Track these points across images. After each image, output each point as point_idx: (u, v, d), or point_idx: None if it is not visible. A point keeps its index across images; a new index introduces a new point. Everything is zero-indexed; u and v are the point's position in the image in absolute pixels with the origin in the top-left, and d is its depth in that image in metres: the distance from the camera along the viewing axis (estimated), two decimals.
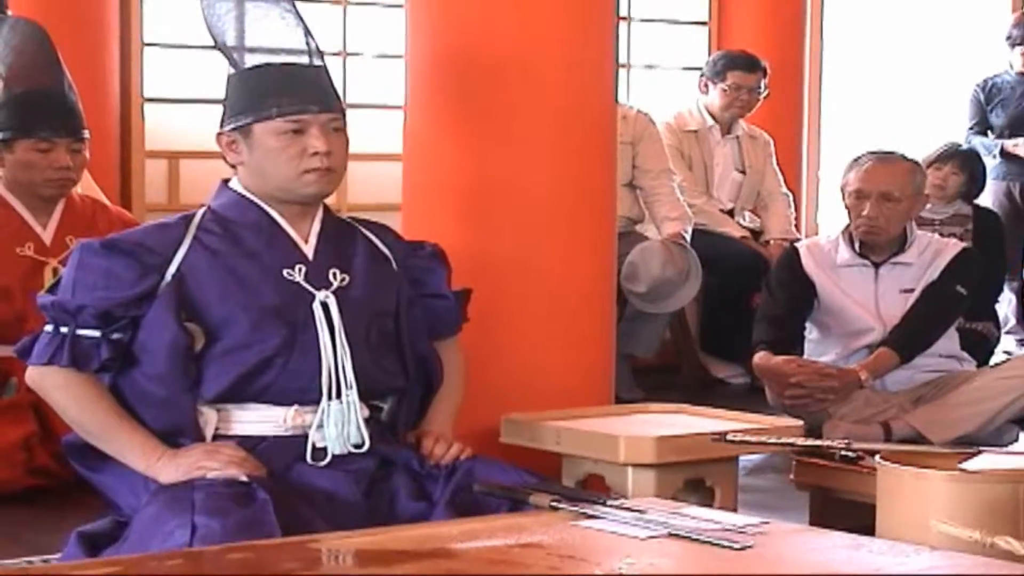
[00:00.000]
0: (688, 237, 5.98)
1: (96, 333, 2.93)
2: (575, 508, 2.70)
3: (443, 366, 3.24)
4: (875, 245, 4.84)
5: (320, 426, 2.98)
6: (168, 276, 2.95)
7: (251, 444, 2.95)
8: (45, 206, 4.41)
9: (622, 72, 7.35)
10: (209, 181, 7.61)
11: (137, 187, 6.57)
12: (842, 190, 4.88)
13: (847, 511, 3.44)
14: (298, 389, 2.99)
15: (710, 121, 6.58)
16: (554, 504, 2.74)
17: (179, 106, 6.67)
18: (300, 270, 3.02)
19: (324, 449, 2.98)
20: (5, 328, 4.28)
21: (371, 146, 6.76)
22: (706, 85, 6.59)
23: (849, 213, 4.85)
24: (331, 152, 3.02)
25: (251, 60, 3.05)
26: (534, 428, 3.54)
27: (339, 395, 2.98)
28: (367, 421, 3.03)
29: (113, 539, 2.89)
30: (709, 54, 7.31)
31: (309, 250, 3.06)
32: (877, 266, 4.85)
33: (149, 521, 2.79)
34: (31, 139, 4.32)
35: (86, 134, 4.41)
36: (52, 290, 3.00)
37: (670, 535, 2.54)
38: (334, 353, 2.98)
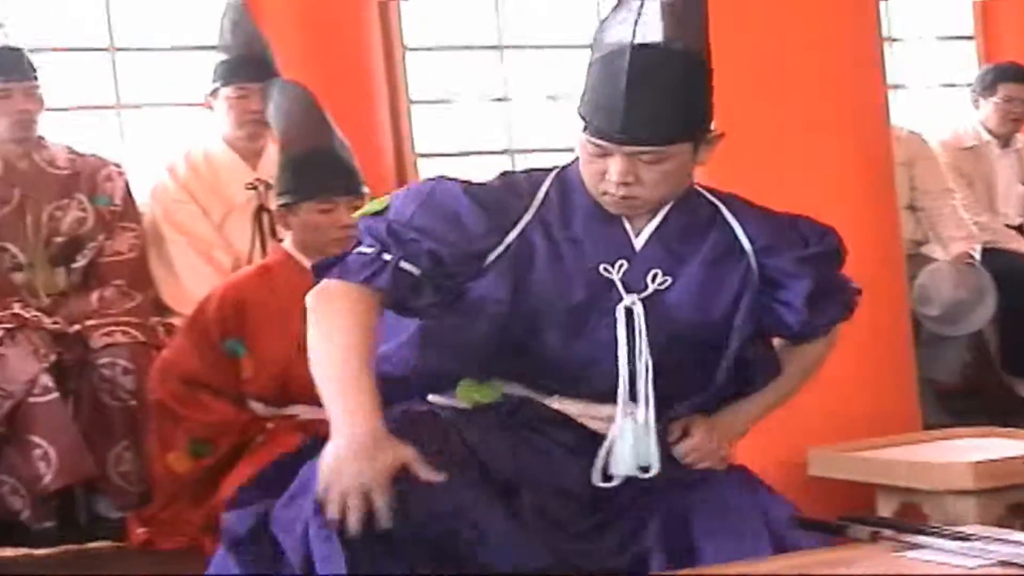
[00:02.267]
0: (977, 256, 5.87)
1: (418, 271, 2.64)
2: (897, 539, 2.62)
3: (776, 367, 2.82)
4: None
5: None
6: (504, 244, 2.65)
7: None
8: None
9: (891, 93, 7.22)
10: None
11: None
12: None
13: None
14: (582, 391, 2.72)
15: (986, 136, 6.43)
16: (875, 535, 2.66)
17: (451, 159, 6.78)
18: (620, 267, 2.67)
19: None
20: (271, 392, 4.33)
21: None
22: (977, 100, 6.45)
23: None
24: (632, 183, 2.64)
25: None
26: (844, 460, 3.48)
27: (633, 414, 2.67)
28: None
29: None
30: (978, 68, 7.15)
31: (639, 243, 2.69)
32: None
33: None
34: (313, 201, 4.39)
35: (365, 190, 4.45)
36: (377, 215, 2.70)
37: (1001, 563, 2.44)
38: (630, 366, 2.64)
